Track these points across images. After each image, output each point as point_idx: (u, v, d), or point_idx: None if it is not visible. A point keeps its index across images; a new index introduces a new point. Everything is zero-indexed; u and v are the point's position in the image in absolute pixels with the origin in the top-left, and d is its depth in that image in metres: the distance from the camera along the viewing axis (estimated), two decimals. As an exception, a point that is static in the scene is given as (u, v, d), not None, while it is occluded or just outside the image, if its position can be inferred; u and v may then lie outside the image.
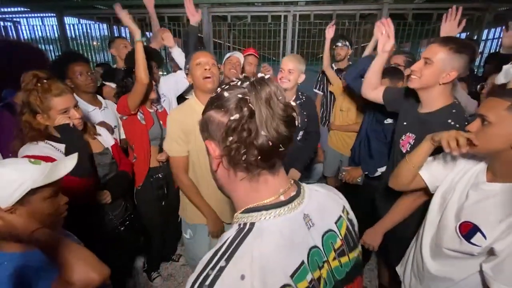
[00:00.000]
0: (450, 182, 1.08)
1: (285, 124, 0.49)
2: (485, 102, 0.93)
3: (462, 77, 1.88)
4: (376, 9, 3.14)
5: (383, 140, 1.90)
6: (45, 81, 1.22)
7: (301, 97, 1.95)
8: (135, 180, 1.89)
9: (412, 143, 1.33)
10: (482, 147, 0.92)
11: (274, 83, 0.50)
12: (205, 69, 1.37)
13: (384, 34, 1.50)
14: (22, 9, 4.03)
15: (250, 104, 0.47)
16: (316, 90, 3.02)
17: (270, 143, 0.48)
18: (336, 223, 0.60)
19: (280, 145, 0.49)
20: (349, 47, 2.62)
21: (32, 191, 0.78)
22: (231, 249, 0.50)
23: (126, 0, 3.78)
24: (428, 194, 1.21)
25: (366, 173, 1.95)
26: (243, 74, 0.53)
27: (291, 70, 1.78)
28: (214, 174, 0.59)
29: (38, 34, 4.17)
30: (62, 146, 1.29)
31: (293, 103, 0.51)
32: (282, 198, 0.55)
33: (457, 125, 1.19)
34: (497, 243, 0.85)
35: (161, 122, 1.93)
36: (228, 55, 2.30)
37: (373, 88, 1.62)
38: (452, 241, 0.98)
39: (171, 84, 2.26)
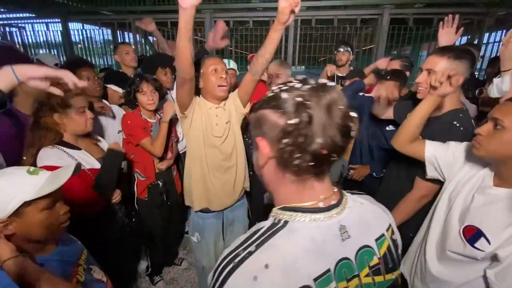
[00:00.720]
0: (456, 183, 1.08)
1: (342, 134, 0.48)
2: (501, 106, 0.92)
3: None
4: (377, 13, 3.17)
5: (384, 146, 1.92)
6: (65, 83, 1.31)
7: None
8: (141, 192, 1.91)
9: None
10: (492, 151, 0.91)
11: (337, 90, 0.50)
12: (221, 77, 1.39)
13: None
14: (28, 14, 4.08)
15: (309, 110, 0.47)
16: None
17: (325, 151, 0.48)
18: (376, 240, 0.59)
19: (334, 154, 0.50)
20: (351, 52, 2.64)
21: (27, 203, 0.78)
22: (262, 238, 0.52)
23: (138, 15, 3.83)
24: (433, 194, 1.23)
25: (373, 173, 1.99)
26: (302, 77, 0.52)
27: (280, 75, 1.82)
28: (260, 170, 0.59)
29: (43, 39, 4.23)
30: (75, 153, 1.35)
31: (353, 114, 0.50)
32: (321, 204, 0.54)
33: (462, 128, 1.22)
34: (501, 250, 0.85)
35: None
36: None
37: (382, 115, 1.70)
38: (456, 244, 0.98)
39: None
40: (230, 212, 1.68)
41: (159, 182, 1.91)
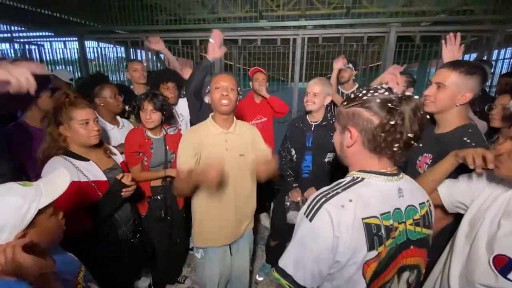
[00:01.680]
0: (478, 208, 1.02)
1: (421, 129, 0.74)
2: None
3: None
4: (383, 32, 3.20)
5: None
6: (72, 97, 1.40)
7: (329, 118, 1.95)
8: (142, 208, 1.91)
9: (429, 163, 1.32)
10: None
11: (418, 99, 0.74)
12: (222, 95, 1.41)
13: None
14: (47, 33, 4.29)
15: (402, 114, 0.71)
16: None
17: (411, 141, 0.74)
18: (420, 204, 0.85)
19: (414, 142, 0.75)
20: (353, 69, 2.65)
21: (39, 212, 0.80)
22: (346, 186, 0.78)
23: (150, 33, 3.98)
24: (451, 215, 1.17)
25: None
26: (387, 85, 0.77)
27: (316, 94, 1.84)
28: (345, 149, 0.84)
29: (60, 56, 4.42)
30: (81, 164, 1.39)
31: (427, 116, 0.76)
32: (388, 172, 0.80)
33: (473, 143, 1.18)
34: None
35: (167, 147, 1.95)
36: None
37: None
38: (486, 276, 0.89)
39: None
40: (238, 240, 1.67)
41: (158, 197, 1.91)
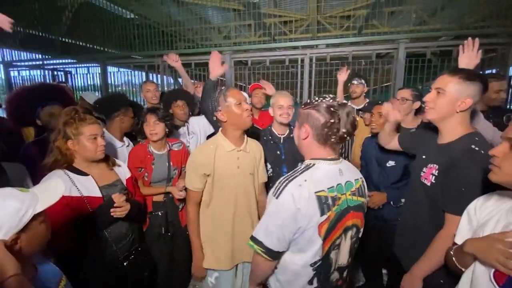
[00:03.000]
0: (477, 223, 0.97)
1: (352, 127, 1.02)
2: None
3: (482, 110, 1.81)
4: (392, 48, 3.19)
5: (387, 184, 1.90)
6: (82, 113, 1.46)
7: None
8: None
9: (436, 174, 1.26)
10: (510, 173, 0.82)
11: (350, 106, 1.04)
12: (246, 109, 1.46)
13: (394, 112, 1.62)
14: (71, 60, 4.65)
15: (339, 115, 0.99)
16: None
17: (345, 135, 1.02)
18: (355, 180, 1.12)
19: (347, 137, 1.03)
20: (365, 85, 2.64)
21: (33, 217, 0.82)
22: (302, 170, 1.04)
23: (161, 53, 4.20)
24: None
25: (390, 202, 1.93)
26: (331, 96, 1.04)
27: (290, 106, 1.88)
28: (301, 141, 1.10)
29: (85, 82, 4.74)
30: (78, 178, 1.41)
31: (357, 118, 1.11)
32: (331, 157, 1.07)
33: (482, 151, 1.13)
34: None
35: (171, 162, 1.96)
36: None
37: (388, 143, 1.71)
38: None
39: (202, 124, 2.41)
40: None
41: (159, 213, 1.89)
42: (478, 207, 1.00)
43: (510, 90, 2.97)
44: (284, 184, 1.00)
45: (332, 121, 0.98)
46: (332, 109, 0.99)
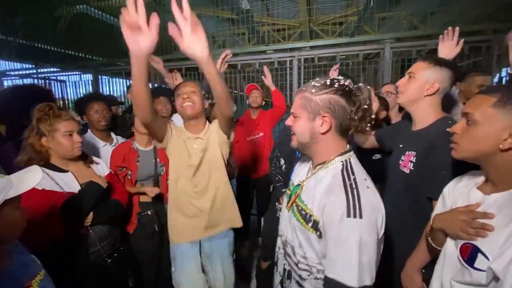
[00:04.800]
0: (450, 205, 0.97)
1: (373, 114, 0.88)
2: (470, 100, 0.86)
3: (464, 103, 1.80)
4: (379, 48, 3.23)
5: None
6: (56, 109, 1.41)
7: None
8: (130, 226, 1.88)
9: (414, 161, 1.26)
10: (468, 149, 0.83)
11: (368, 88, 0.86)
12: (183, 98, 1.47)
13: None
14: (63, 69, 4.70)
15: (365, 100, 0.83)
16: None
17: (373, 121, 0.87)
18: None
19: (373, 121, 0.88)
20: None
21: (6, 202, 0.79)
22: (350, 170, 0.85)
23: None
24: None
25: None
26: (342, 78, 0.88)
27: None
28: (318, 136, 0.89)
29: (77, 90, 4.76)
30: (57, 175, 1.38)
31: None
32: (349, 147, 0.93)
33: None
34: (496, 262, 0.69)
35: (158, 159, 1.94)
36: None
37: (363, 143, 1.69)
38: (458, 271, 0.82)
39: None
40: (207, 242, 1.58)
41: (149, 212, 1.86)
42: (451, 190, 1.01)
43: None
44: (355, 195, 0.77)
45: (365, 107, 0.83)
46: (356, 93, 0.83)
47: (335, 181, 0.83)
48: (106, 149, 2.07)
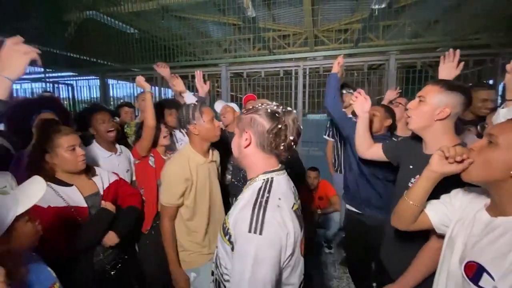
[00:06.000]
0: (456, 222, 0.98)
1: (298, 134, 0.92)
2: (501, 124, 0.86)
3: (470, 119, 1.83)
4: (383, 60, 3.26)
5: (378, 175, 1.84)
6: (54, 124, 1.42)
7: None
8: (143, 224, 1.90)
9: None
10: (480, 174, 0.84)
11: (294, 112, 0.95)
12: (218, 126, 1.59)
13: (358, 98, 1.62)
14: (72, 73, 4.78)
15: (284, 121, 0.89)
16: (326, 137, 3.04)
17: (292, 143, 0.92)
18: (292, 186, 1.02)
19: (294, 145, 0.93)
20: (353, 94, 2.68)
21: (16, 218, 0.83)
22: (267, 189, 0.89)
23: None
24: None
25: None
26: (274, 103, 0.95)
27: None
28: (243, 151, 0.95)
29: (85, 94, 4.85)
30: (62, 190, 1.39)
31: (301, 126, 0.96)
32: (279, 168, 0.97)
33: None
34: (501, 282, 0.73)
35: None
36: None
37: (367, 148, 1.65)
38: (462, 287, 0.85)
39: None
40: None
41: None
42: (461, 197, 1.02)
43: (499, 101, 2.99)
44: (261, 213, 0.81)
45: (279, 127, 0.88)
46: (277, 114, 0.90)
47: (251, 198, 0.88)
48: (110, 160, 2.09)
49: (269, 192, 0.88)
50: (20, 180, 1.06)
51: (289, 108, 0.94)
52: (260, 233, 0.77)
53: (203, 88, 2.22)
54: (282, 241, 0.79)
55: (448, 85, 1.21)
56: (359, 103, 1.62)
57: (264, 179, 0.93)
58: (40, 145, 1.37)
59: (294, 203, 0.92)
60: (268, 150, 0.92)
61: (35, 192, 0.92)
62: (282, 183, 0.94)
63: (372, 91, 3.63)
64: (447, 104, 1.19)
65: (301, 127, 0.95)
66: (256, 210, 0.82)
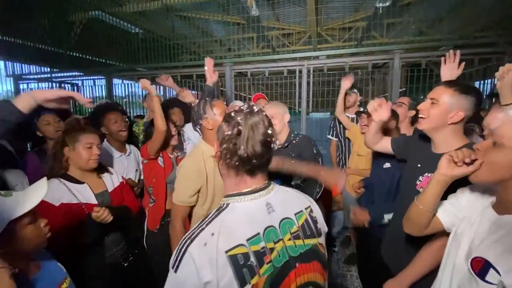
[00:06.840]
0: (462, 219, 1.00)
1: (261, 145, 0.71)
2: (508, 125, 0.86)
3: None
4: (388, 58, 3.26)
5: (382, 186, 1.82)
6: (83, 124, 1.55)
7: (291, 139, 1.91)
8: (151, 223, 1.93)
9: None
10: (487, 172, 0.85)
11: (261, 113, 0.73)
12: None
13: (382, 107, 1.51)
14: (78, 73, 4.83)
15: (240, 127, 0.69)
16: (329, 136, 3.06)
17: (246, 156, 0.70)
18: (296, 214, 0.80)
19: (254, 159, 0.71)
20: (358, 93, 2.70)
21: (13, 221, 0.83)
22: (211, 217, 0.72)
23: (168, 70, 4.34)
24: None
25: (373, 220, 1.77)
26: (251, 104, 0.76)
27: (273, 116, 1.84)
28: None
29: (91, 94, 4.89)
30: (74, 186, 1.46)
31: (271, 131, 0.74)
32: (254, 189, 0.76)
33: None
34: (507, 276, 0.74)
35: None
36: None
37: (375, 144, 1.66)
38: (469, 283, 0.86)
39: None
40: None
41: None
42: (468, 195, 1.04)
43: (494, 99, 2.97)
44: (185, 245, 0.67)
45: (229, 133, 0.70)
46: (232, 115, 0.72)
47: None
48: (120, 160, 2.14)
49: (209, 222, 0.71)
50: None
51: (255, 108, 0.73)
52: (175, 271, 0.66)
53: (212, 77, 2.21)
54: (193, 278, 0.64)
55: (462, 88, 1.20)
56: (378, 113, 1.51)
57: (220, 205, 0.76)
58: (64, 138, 1.47)
59: (247, 245, 0.68)
60: (231, 166, 0.74)
61: (36, 195, 0.91)
62: (240, 211, 0.73)
63: (376, 90, 3.62)
64: (460, 108, 1.19)
65: (271, 132, 0.74)
66: (183, 242, 0.68)
